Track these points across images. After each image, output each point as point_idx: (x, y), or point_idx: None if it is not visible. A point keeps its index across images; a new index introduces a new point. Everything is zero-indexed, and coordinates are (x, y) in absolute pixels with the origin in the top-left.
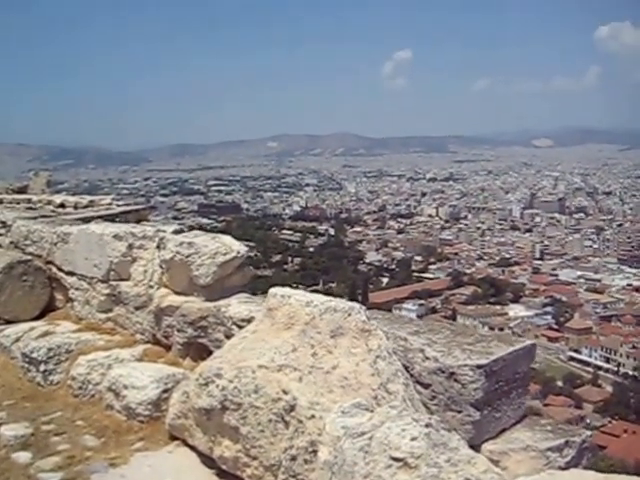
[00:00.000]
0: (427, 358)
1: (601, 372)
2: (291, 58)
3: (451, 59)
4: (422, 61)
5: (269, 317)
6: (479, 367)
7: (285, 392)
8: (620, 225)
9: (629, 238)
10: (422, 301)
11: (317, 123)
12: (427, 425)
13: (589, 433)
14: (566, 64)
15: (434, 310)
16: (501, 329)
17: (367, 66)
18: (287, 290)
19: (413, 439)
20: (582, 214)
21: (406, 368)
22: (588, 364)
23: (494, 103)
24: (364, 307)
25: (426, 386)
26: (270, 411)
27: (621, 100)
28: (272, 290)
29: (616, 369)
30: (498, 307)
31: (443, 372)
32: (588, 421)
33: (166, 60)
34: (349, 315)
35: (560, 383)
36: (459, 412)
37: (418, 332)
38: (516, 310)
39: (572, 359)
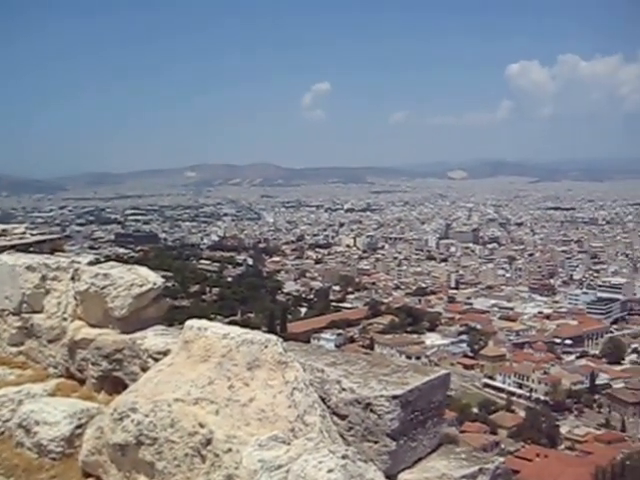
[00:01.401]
0: (344, 389)
1: (514, 398)
2: (210, 87)
3: (369, 92)
4: (340, 93)
5: (185, 350)
6: (395, 397)
7: (202, 426)
8: (531, 255)
9: (539, 267)
10: (340, 331)
11: (236, 153)
12: (344, 457)
13: (502, 460)
14: (479, 99)
15: (352, 339)
16: (418, 357)
17: (286, 97)
18: (204, 322)
19: (330, 471)
20: (495, 244)
21: (323, 400)
22: (502, 390)
23: (410, 135)
24: (281, 339)
25: (343, 417)
26: (186, 445)
27: (530, 134)
28: (188, 322)
29: (528, 394)
30: (415, 336)
31: (359, 403)
32: (503, 446)
33: (83, 87)
34: (266, 347)
35: (476, 410)
36: (376, 442)
37: (335, 363)
38: (432, 339)
39: (487, 386)
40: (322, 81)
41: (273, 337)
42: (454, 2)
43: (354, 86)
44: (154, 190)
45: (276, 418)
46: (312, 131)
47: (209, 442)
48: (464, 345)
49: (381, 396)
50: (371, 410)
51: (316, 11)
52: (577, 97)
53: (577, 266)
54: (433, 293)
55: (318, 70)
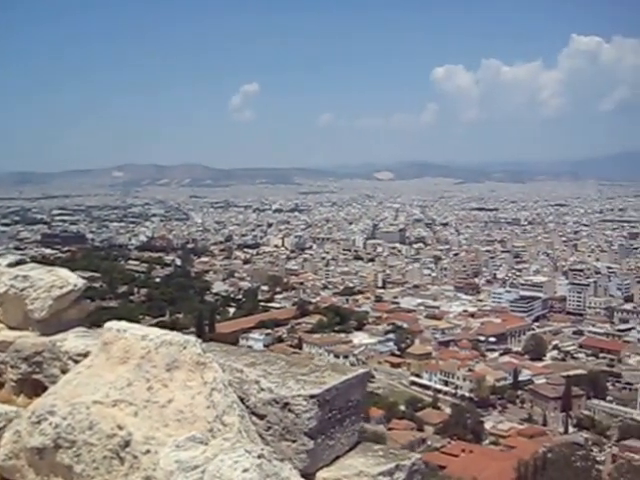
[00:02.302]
0: (262, 389)
1: (440, 395)
2: (137, 87)
3: (297, 93)
4: (269, 95)
5: (104, 352)
6: (312, 397)
7: (120, 427)
8: (456, 254)
9: (464, 267)
10: (269, 330)
11: (164, 153)
12: (259, 456)
13: (418, 456)
14: (405, 101)
15: (280, 339)
16: (346, 356)
17: (215, 98)
18: (123, 324)
19: (245, 471)
20: (421, 244)
21: (242, 400)
22: (428, 388)
23: (338, 137)
24: (200, 340)
25: (261, 417)
26: (105, 447)
27: (455, 136)
28: (108, 324)
29: (454, 391)
30: (343, 335)
31: (277, 403)
32: (429, 443)
33: (6, 85)
34: (184, 348)
35: (403, 407)
36: (294, 442)
37: (254, 363)
38: (360, 338)
39: (413, 383)
40: (251, 82)
41: (192, 338)
42: (382, 3)
43: (283, 87)
44: (81, 190)
45: (195, 419)
46: (241, 132)
47: (127, 444)
48: (391, 344)
49: (299, 395)
50: (289, 409)
51: (245, 11)
52: (500, 101)
53: (500, 265)
54: (360, 293)
55: (247, 71)
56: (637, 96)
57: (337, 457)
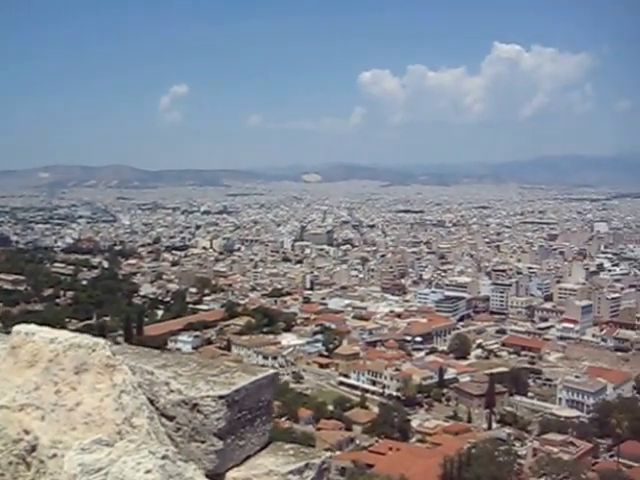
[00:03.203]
0: (172, 391)
1: (368, 394)
2: (64, 86)
3: (226, 95)
4: (198, 96)
5: (12, 355)
6: (221, 397)
7: (27, 432)
8: (383, 256)
9: (391, 268)
10: (197, 333)
11: (91, 154)
12: (163, 457)
13: (328, 454)
14: (334, 105)
15: (209, 341)
16: (274, 358)
17: (143, 99)
18: (32, 327)
19: (147, 472)
20: (349, 246)
21: (152, 401)
22: (356, 387)
23: (266, 139)
24: (109, 342)
25: (171, 418)
26: (11, 453)
27: (382, 140)
28: (16, 327)
29: (381, 391)
30: (271, 336)
31: (187, 404)
32: (357, 442)
33: None
34: (93, 351)
35: (331, 407)
36: (203, 442)
37: (166, 365)
38: (288, 339)
39: (341, 384)
40: (180, 83)
41: (101, 340)
42: (311, 8)
43: (212, 89)
44: (5, 191)
45: (103, 421)
46: (169, 133)
47: (34, 448)
48: (319, 344)
49: (207, 396)
50: (198, 410)
51: (175, 11)
52: (425, 105)
53: (426, 266)
54: (289, 294)
55: (176, 72)
56: (555, 103)
57: (248, 457)
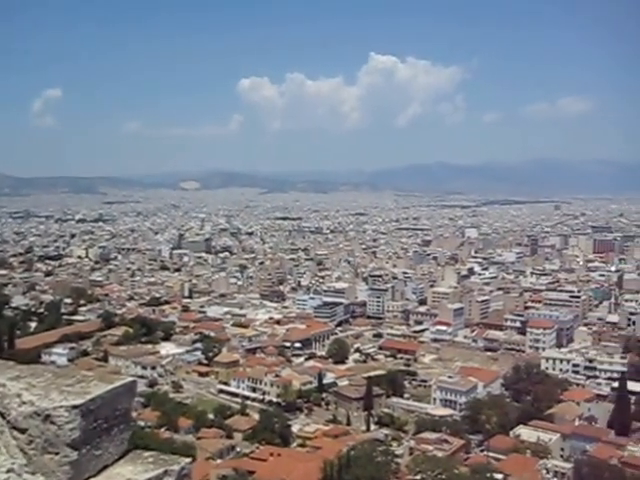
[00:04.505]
0: (24, 402)
1: (249, 402)
2: None
3: (101, 100)
4: (72, 101)
5: None
6: (75, 407)
7: None
8: (262, 263)
9: (269, 275)
10: (73, 344)
11: None
12: (8, 470)
13: (188, 460)
14: (212, 111)
15: (86, 353)
16: (153, 367)
17: (14, 102)
18: None
19: None
20: (227, 253)
21: (2, 415)
22: (237, 395)
23: (143, 145)
24: None
25: (23, 431)
26: None
27: (261, 147)
28: None
29: (262, 397)
30: (150, 346)
31: (39, 415)
32: (239, 449)
33: None
34: None
35: (211, 416)
36: (57, 454)
37: (19, 377)
38: (167, 348)
39: (222, 392)
40: (53, 87)
41: None
42: (191, 14)
43: (87, 93)
44: None
45: None
46: (42, 138)
47: None
48: (198, 353)
49: (60, 407)
50: (51, 421)
51: (49, 14)
52: (304, 114)
53: (304, 273)
54: (167, 303)
55: (49, 75)
56: (428, 113)
57: (105, 466)
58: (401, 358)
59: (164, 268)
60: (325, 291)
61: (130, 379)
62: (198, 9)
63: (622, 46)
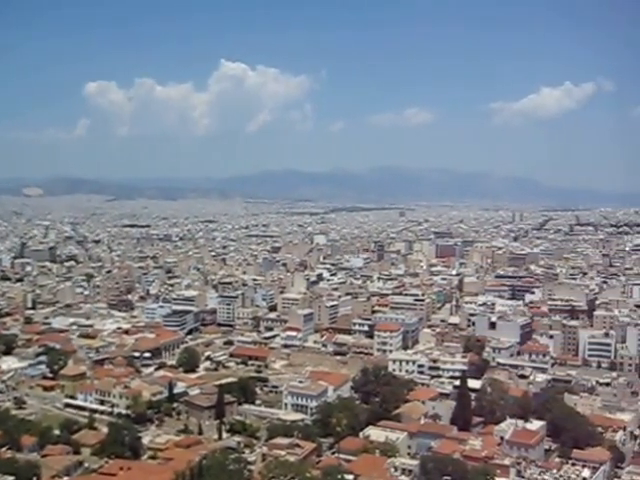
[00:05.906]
0: None
1: (97, 415)
2: None
3: None
4: None
5: None
6: None
7: None
8: (109, 272)
9: (117, 283)
10: None
11: None
12: None
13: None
14: (57, 115)
15: None
16: None
17: None
18: None
19: None
20: (73, 262)
21: None
22: (84, 409)
23: None
24: None
25: None
26: None
27: (108, 153)
28: None
29: (110, 410)
30: None
31: None
32: (87, 465)
33: None
34: None
35: (57, 431)
36: None
37: None
38: (9, 362)
39: (68, 405)
40: None
41: None
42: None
43: None
44: None
45: None
46: None
47: None
48: (43, 366)
49: None
50: None
51: None
52: (153, 119)
53: (153, 281)
54: (8, 315)
55: None
56: (277, 121)
57: None
58: (252, 365)
59: (5, 278)
60: (174, 299)
61: None
62: (39, 8)
63: (457, 61)
